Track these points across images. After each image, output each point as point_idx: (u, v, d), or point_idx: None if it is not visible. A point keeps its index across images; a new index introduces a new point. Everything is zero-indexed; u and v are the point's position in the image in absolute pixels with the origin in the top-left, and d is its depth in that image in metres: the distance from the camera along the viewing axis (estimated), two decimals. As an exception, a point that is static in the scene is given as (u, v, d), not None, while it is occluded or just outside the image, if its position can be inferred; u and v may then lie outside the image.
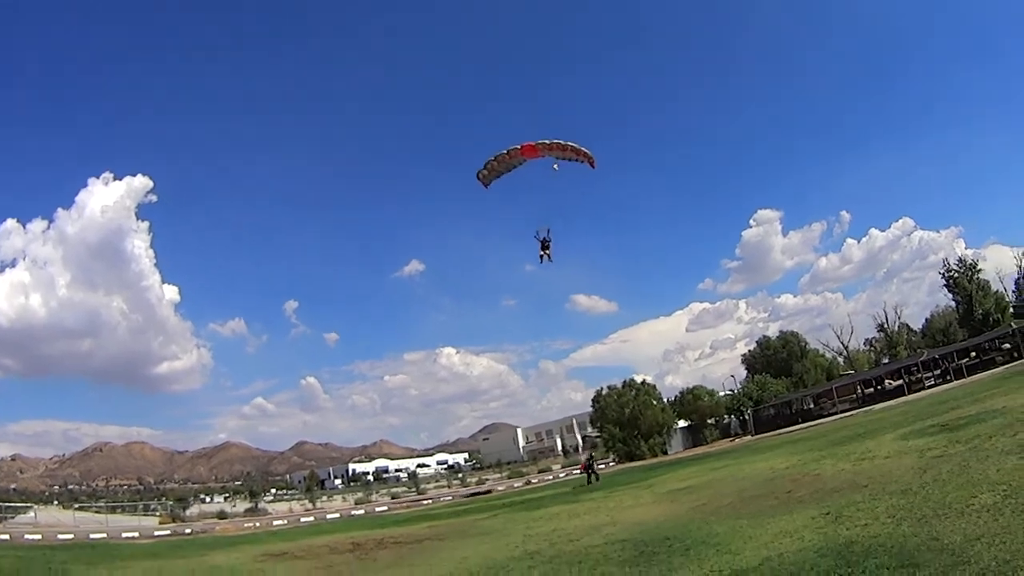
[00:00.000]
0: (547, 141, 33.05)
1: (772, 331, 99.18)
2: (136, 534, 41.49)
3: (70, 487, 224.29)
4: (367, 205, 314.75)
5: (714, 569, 11.11)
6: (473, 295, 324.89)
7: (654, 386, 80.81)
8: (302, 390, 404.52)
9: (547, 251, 33.59)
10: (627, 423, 76.34)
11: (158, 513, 64.26)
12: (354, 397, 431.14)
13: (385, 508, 56.33)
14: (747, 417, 78.61)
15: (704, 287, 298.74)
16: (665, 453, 74.40)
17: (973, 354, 62.98)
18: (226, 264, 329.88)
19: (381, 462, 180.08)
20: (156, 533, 43.08)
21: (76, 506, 78.01)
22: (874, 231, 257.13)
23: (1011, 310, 75.94)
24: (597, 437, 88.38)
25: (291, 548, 25.66)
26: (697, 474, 31.85)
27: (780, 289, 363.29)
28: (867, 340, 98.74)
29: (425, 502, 57.95)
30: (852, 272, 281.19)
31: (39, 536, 37.79)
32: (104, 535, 40.14)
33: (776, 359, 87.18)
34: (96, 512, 65.59)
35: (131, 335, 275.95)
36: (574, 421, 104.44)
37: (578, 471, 57.64)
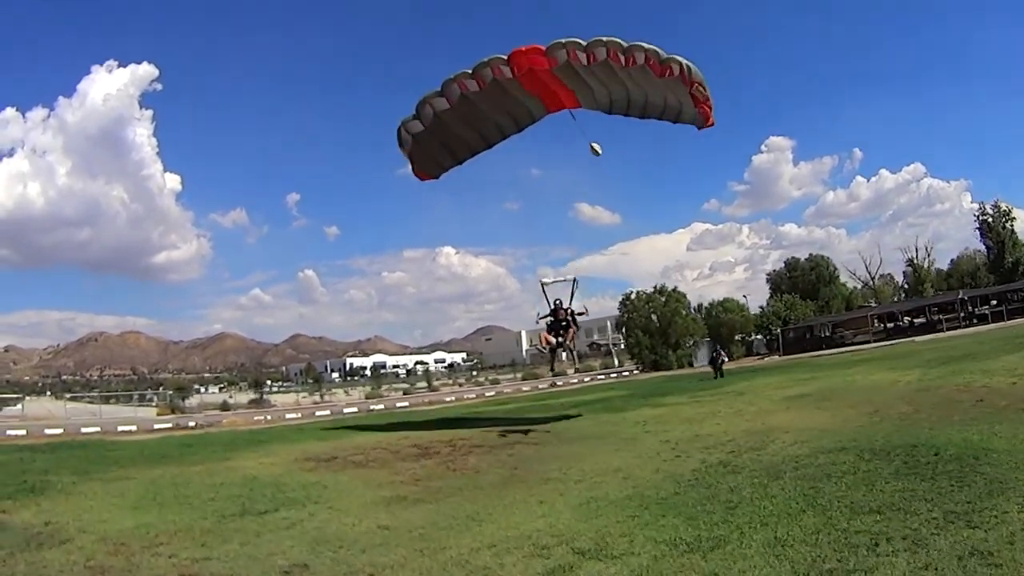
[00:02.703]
0: (580, 43, 16.94)
1: (772, 259, 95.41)
2: (133, 427, 36.44)
3: (64, 378, 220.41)
4: (375, 99, 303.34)
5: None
6: (476, 196, 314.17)
7: (684, 295, 75.16)
8: (299, 283, 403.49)
9: (567, 338, 21.48)
10: (656, 331, 70.84)
11: (155, 404, 58.76)
12: (351, 292, 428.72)
13: (407, 404, 50.66)
14: (775, 336, 74.31)
15: (709, 207, 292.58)
16: (691, 365, 69.42)
17: (994, 302, 62.89)
18: (230, 154, 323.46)
19: (379, 357, 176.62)
20: (156, 426, 37.59)
21: (68, 396, 72.34)
22: (884, 172, 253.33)
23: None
24: (605, 344, 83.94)
25: (335, 450, 19.65)
26: (790, 384, 27.90)
27: (784, 218, 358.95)
28: (881, 275, 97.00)
29: (448, 399, 52.19)
30: (858, 210, 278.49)
31: (23, 431, 32.80)
32: (97, 428, 35.02)
33: (804, 281, 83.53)
34: (89, 403, 59.81)
35: (130, 224, 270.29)
36: (608, 323, 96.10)
37: (602, 377, 62.59)
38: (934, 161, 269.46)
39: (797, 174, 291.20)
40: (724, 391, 28.91)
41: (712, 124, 18.79)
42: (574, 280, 22.43)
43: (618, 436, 18.17)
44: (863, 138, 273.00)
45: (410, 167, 21.47)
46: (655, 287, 75.40)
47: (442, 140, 20.33)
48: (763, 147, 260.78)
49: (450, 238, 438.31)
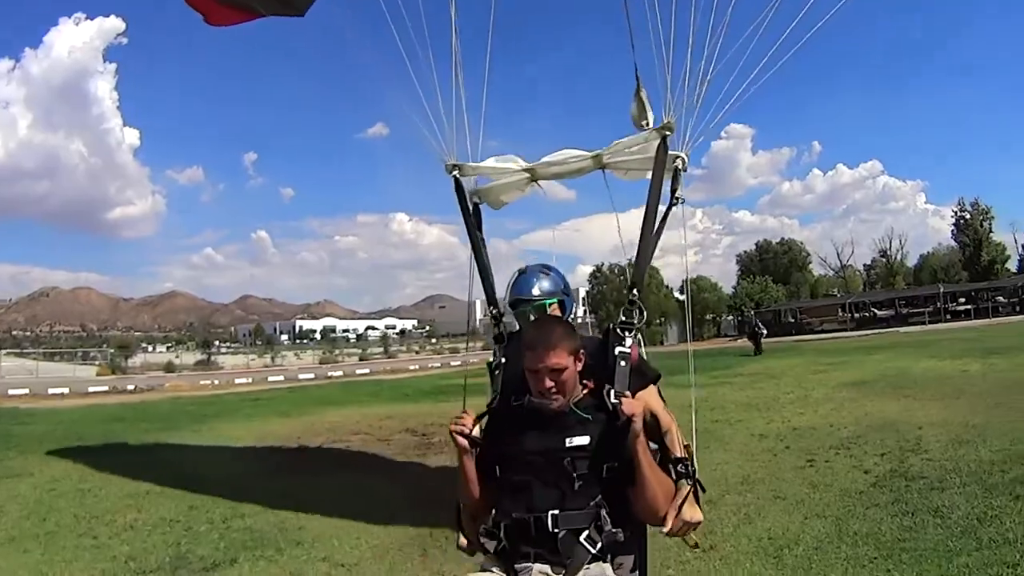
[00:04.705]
0: None
1: (724, 244, 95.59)
2: (66, 390, 32.04)
3: (13, 333, 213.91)
4: (339, 61, 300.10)
5: None
6: (433, 165, 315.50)
7: (658, 270, 70.96)
8: (252, 243, 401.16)
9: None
10: (627, 306, 66.51)
11: (97, 363, 54.26)
12: (303, 254, 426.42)
13: (367, 371, 46.15)
14: (748, 319, 70.06)
15: (663, 189, 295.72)
16: (662, 343, 65.33)
17: (963, 300, 62.97)
18: (191, 110, 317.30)
19: (328, 321, 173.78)
20: (90, 389, 33.21)
21: (5, 352, 66.66)
22: (841, 167, 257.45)
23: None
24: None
25: (305, 433, 15.33)
26: (822, 368, 24.70)
27: (739, 205, 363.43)
28: (842, 266, 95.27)
29: (412, 367, 47.22)
30: (812, 203, 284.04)
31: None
32: (26, 391, 31.03)
33: (776, 265, 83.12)
34: (34, 360, 55.16)
35: (88, 178, 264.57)
36: (580, 291, 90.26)
37: None
38: (892, 159, 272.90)
39: (755, 163, 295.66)
40: (747, 373, 25.40)
41: None
42: (659, 151, 3.69)
43: (681, 426, 13.49)
44: (823, 131, 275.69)
45: None
46: (629, 260, 71.06)
47: None
48: (723, 133, 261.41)
49: (404, 205, 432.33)
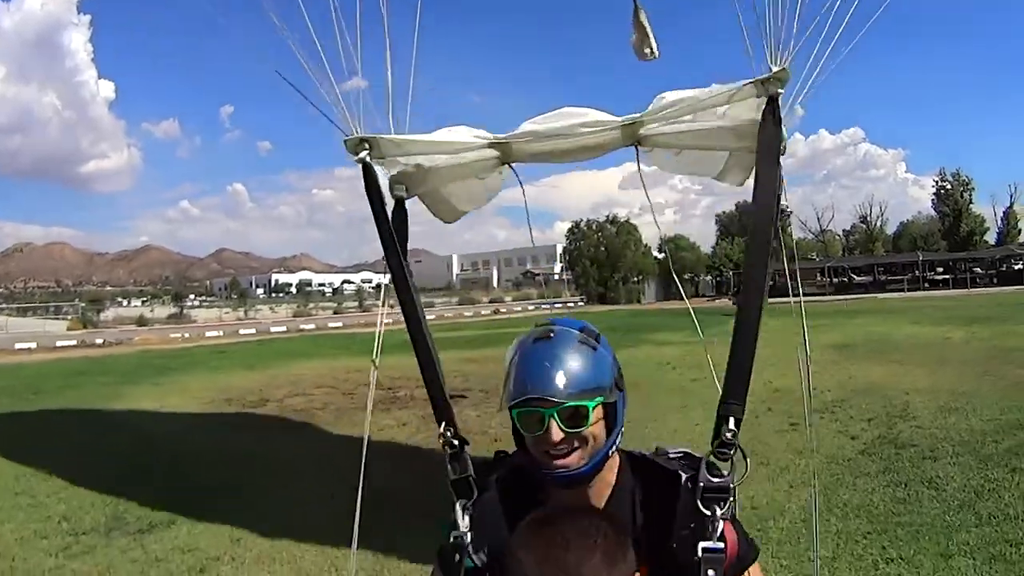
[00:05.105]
0: None
1: (703, 205, 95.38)
2: (32, 345, 31.69)
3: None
4: (320, 12, 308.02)
5: None
6: (413, 120, 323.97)
7: (636, 226, 70.12)
8: (228, 196, 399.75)
9: None
10: (604, 263, 66.44)
11: (69, 317, 52.66)
12: (280, 208, 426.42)
13: (339, 324, 45.49)
14: (727, 279, 70.59)
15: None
16: (639, 302, 65.33)
17: (940, 269, 63.07)
18: (167, 61, 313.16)
19: (305, 274, 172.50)
20: (58, 344, 32.64)
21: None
22: (824, 132, 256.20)
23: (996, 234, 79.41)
24: (540, 274, 79.79)
25: (267, 387, 15.29)
26: (799, 329, 22.43)
27: None
28: (821, 230, 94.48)
29: (386, 321, 46.53)
30: (793, 166, 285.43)
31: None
32: None
33: None
34: (5, 316, 54.77)
35: (62, 132, 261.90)
36: (558, 248, 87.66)
37: (547, 308, 56.82)
38: (874, 127, 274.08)
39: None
40: (726, 332, 23.80)
41: None
42: (766, 125, 1.81)
43: (657, 384, 13.99)
44: (806, 95, 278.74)
45: None
46: (607, 216, 70.43)
47: None
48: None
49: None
